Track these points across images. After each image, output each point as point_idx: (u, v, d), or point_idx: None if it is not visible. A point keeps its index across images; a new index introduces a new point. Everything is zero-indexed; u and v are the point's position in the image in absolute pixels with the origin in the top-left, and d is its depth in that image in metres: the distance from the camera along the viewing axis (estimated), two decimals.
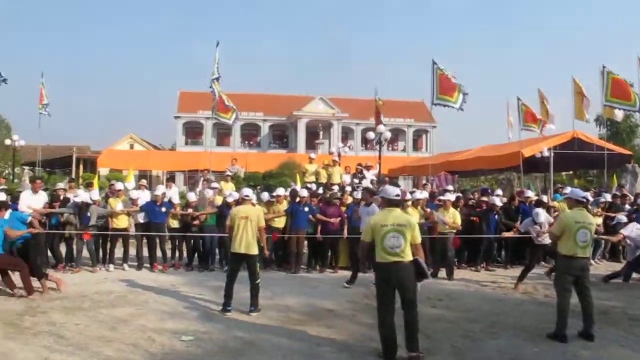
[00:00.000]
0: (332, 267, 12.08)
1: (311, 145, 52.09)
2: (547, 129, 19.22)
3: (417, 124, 60.52)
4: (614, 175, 21.44)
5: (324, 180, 17.07)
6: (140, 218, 12.11)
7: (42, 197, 11.61)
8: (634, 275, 10.94)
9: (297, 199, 12.10)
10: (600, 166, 19.50)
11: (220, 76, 17.99)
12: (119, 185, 12.71)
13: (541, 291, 9.82)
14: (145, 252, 11.90)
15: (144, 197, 12.65)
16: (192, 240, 12.16)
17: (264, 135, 59.36)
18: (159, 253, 11.94)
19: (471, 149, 25.54)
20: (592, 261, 10.23)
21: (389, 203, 6.21)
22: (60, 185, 13.02)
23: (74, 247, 11.53)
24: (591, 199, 12.38)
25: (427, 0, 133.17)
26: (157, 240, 11.87)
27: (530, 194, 14.10)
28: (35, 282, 8.84)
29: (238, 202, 9.60)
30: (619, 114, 19.59)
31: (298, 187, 14.20)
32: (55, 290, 9.02)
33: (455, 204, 12.04)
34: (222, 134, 56.96)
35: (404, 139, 60.99)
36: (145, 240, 11.98)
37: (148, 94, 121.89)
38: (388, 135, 21.23)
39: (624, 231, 10.96)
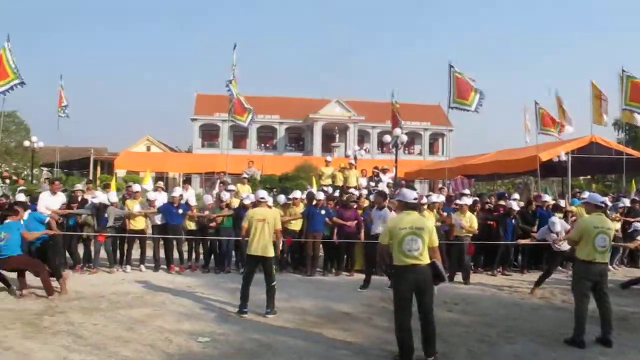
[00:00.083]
0: (347, 270, 12.08)
1: (327, 148, 52.17)
2: (565, 132, 19.05)
3: (433, 127, 60.24)
4: (633, 180, 21.22)
5: (340, 183, 17.08)
6: (158, 220, 12.19)
7: (60, 199, 11.74)
8: None
9: (314, 202, 12.11)
10: (618, 171, 19.29)
11: (234, 78, 18.06)
12: (136, 187, 12.82)
13: (559, 296, 9.74)
14: (162, 253, 11.99)
15: (161, 198, 12.72)
16: (208, 242, 12.23)
17: (280, 137, 59.43)
18: (175, 255, 12.03)
19: (488, 153, 25.37)
20: (610, 267, 10.12)
21: (406, 206, 6.22)
22: (79, 186, 13.15)
23: (92, 248, 11.67)
24: (610, 204, 12.25)
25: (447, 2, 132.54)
26: (174, 242, 11.96)
27: (548, 199, 13.98)
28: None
29: (254, 205, 9.64)
30: (638, 118, 19.36)
31: (314, 189, 14.22)
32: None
33: (472, 208, 11.99)
34: (239, 137, 57.15)
35: (420, 142, 60.74)
36: (162, 242, 12.08)
37: (165, 96, 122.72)
38: (404, 138, 21.17)
39: None
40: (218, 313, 8.00)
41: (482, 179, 29.39)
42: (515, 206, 12.63)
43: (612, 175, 31.05)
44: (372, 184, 16.88)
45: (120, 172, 34.23)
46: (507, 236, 12.18)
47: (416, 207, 6.52)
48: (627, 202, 14.10)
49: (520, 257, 13.30)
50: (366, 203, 12.60)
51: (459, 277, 11.11)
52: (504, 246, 12.21)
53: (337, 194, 14.36)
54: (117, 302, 8.56)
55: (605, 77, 23.28)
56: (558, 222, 10.11)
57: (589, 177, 33.78)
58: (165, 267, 11.87)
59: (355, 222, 11.80)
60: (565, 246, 9.68)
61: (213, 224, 12.04)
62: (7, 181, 24.66)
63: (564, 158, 19.06)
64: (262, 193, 8.87)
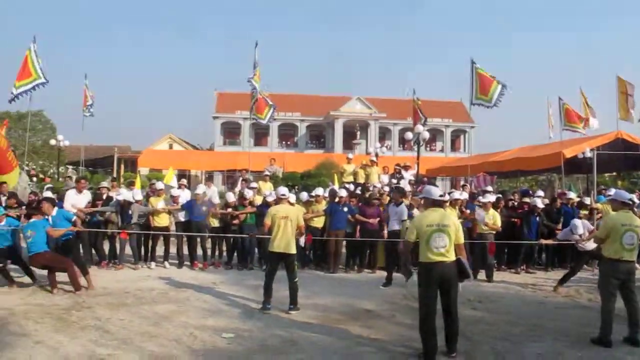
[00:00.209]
0: (370, 267, 12.07)
1: (348, 145, 52.09)
2: (590, 127, 18.79)
3: (455, 124, 59.87)
4: None
5: (361, 180, 17.08)
6: (181, 217, 12.33)
7: (86, 197, 11.94)
8: None
9: (336, 199, 12.11)
10: None
11: (256, 75, 18.12)
12: (159, 185, 12.96)
13: (584, 295, 9.61)
14: (186, 250, 12.12)
15: (184, 196, 12.86)
16: (231, 239, 12.31)
17: (301, 135, 59.49)
18: (199, 251, 12.14)
19: (510, 150, 25.12)
20: (638, 265, 9.93)
21: (432, 203, 6.21)
22: (104, 184, 13.37)
23: (117, 244, 11.82)
24: (637, 201, 12.05)
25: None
26: (198, 239, 12.07)
27: (572, 196, 13.83)
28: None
29: (276, 202, 9.69)
30: None
31: (336, 187, 14.22)
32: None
33: (495, 206, 11.89)
34: (260, 134, 57.29)
35: (442, 139, 60.40)
36: (185, 239, 12.19)
37: (186, 94, 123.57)
38: (426, 135, 21.03)
39: None
40: (242, 309, 8.06)
41: (504, 176, 29.07)
42: (540, 203, 12.49)
43: (639, 172, 30.51)
44: (394, 181, 16.84)
45: (144, 170, 34.59)
46: (531, 234, 12.06)
47: (442, 203, 6.51)
48: None
49: (544, 255, 13.17)
50: (388, 200, 12.57)
51: (482, 275, 11.02)
52: (528, 244, 12.10)
53: (358, 191, 14.34)
54: (142, 297, 8.68)
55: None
56: (580, 225, 9.94)
57: (614, 174, 33.26)
58: (188, 263, 11.99)
59: (378, 219, 11.78)
60: (590, 245, 9.56)
61: (236, 221, 12.12)
62: (35, 179, 25.04)
63: (588, 154, 18.75)
64: (283, 190, 8.89)
